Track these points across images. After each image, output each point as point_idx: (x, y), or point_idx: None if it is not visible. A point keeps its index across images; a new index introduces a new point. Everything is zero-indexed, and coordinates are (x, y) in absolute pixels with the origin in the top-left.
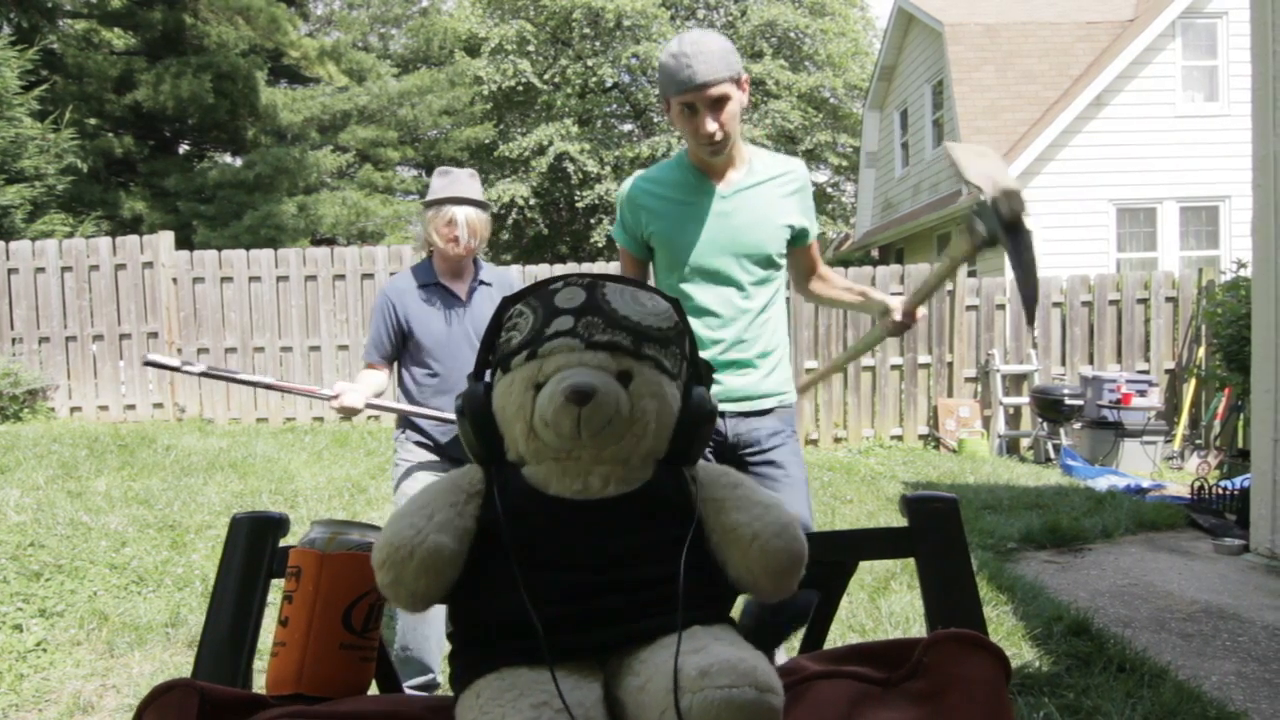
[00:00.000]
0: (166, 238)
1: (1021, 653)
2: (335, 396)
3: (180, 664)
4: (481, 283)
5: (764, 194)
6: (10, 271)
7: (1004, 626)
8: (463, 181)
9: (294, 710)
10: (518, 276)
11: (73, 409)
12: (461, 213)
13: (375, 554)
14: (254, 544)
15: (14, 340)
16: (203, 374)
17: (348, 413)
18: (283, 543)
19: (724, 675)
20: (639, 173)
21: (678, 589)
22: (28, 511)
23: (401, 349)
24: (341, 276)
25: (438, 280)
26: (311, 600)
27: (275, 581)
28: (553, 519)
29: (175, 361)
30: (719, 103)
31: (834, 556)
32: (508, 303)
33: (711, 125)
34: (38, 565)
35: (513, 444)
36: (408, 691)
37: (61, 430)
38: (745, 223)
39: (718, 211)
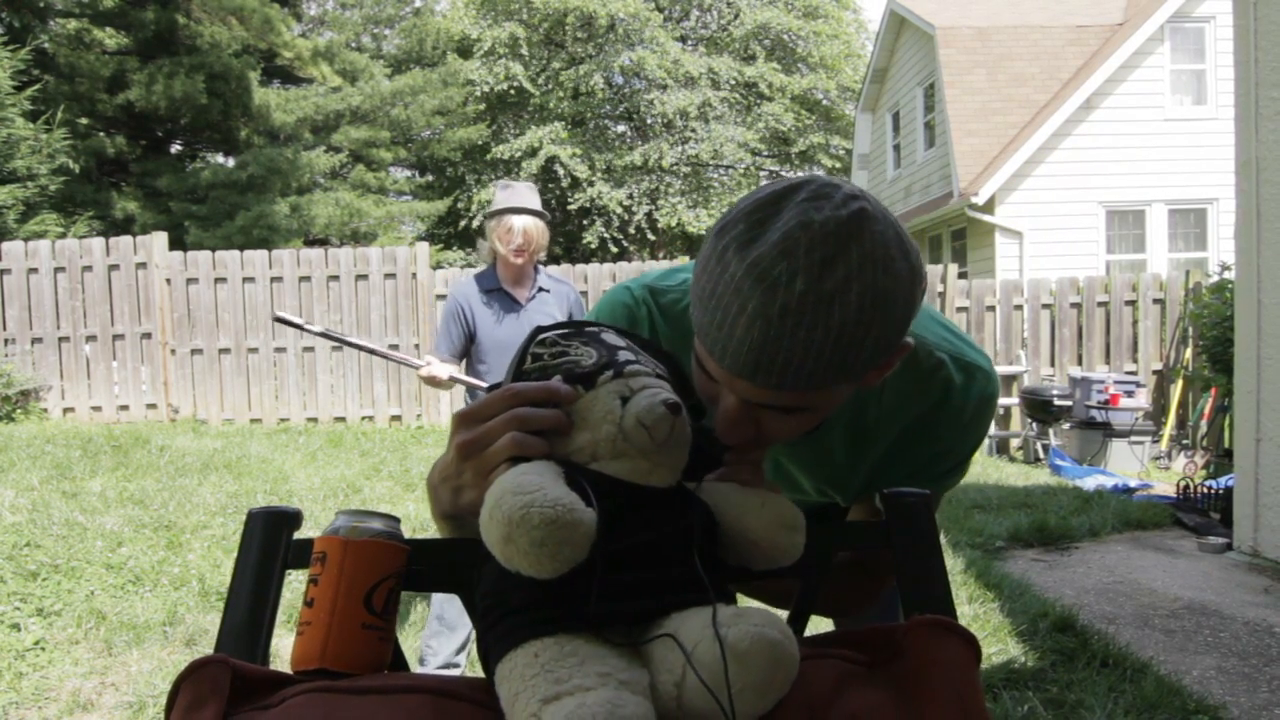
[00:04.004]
0: (160, 238)
1: (1007, 648)
2: (426, 365)
3: (179, 662)
4: (541, 289)
5: None
6: (3, 272)
7: (991, 623)
8: (522, 194)
9: (320, 685)
10: (574, 282)
11: (65, 409)
12: (520, 221)
13: (540, 513)
14: (269, 537)
15: (6, 341)
16: (322, 334)
17: (434, 383)
18: (295, 536)
19: (758, 615)
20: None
21: (698, 563)
22: (23, 512)
23: (466, 349)
24: (335, 278)
25: (500, 286)
26: (336, 583)
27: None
28: (624, 499)
29: (300, 320)
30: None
31: (814, 547)
32: (540, 331)
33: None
34: (34, 565)
35: (590, 445)
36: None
37: (55, 431)
38: None
39: None
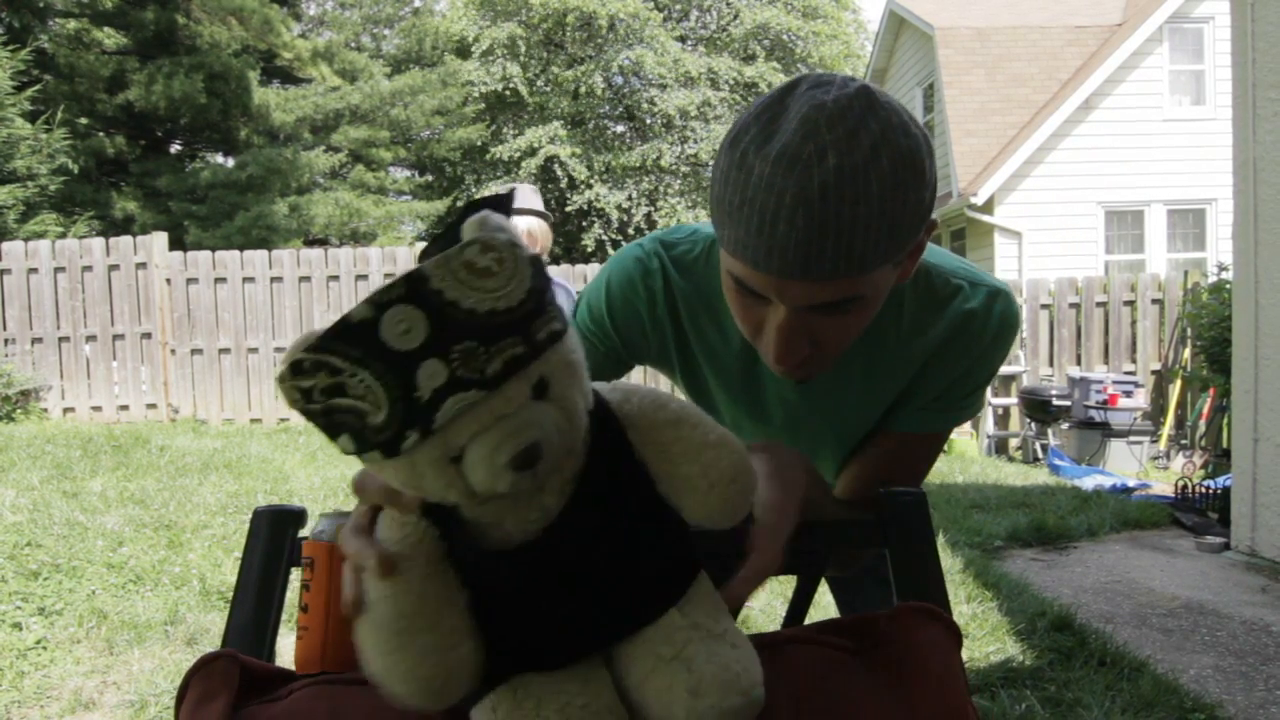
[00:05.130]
0: (160, 238)
1: (1005, 647)
2: None
3: (180, 661)
4: None
5: None
6: (3, 272)
7: (989, 622)
8: (525, 195)
9: (326, 678)
10: (567, 278)
11: (65, 409)
12: (524, 222)
13: (414, 693)
14: (275, 534)
15: (6, 341)
16: None
17: None
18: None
19: (712, 692)
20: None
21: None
22: (23, 511)
23: None
24: (335, 278)
25: None
26: (327, 589)
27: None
28: (521, 577)
29: None
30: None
31: (811, 545)
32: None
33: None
34: (35, 564)
35: (445, 505)
36: None
37: (55, 431)
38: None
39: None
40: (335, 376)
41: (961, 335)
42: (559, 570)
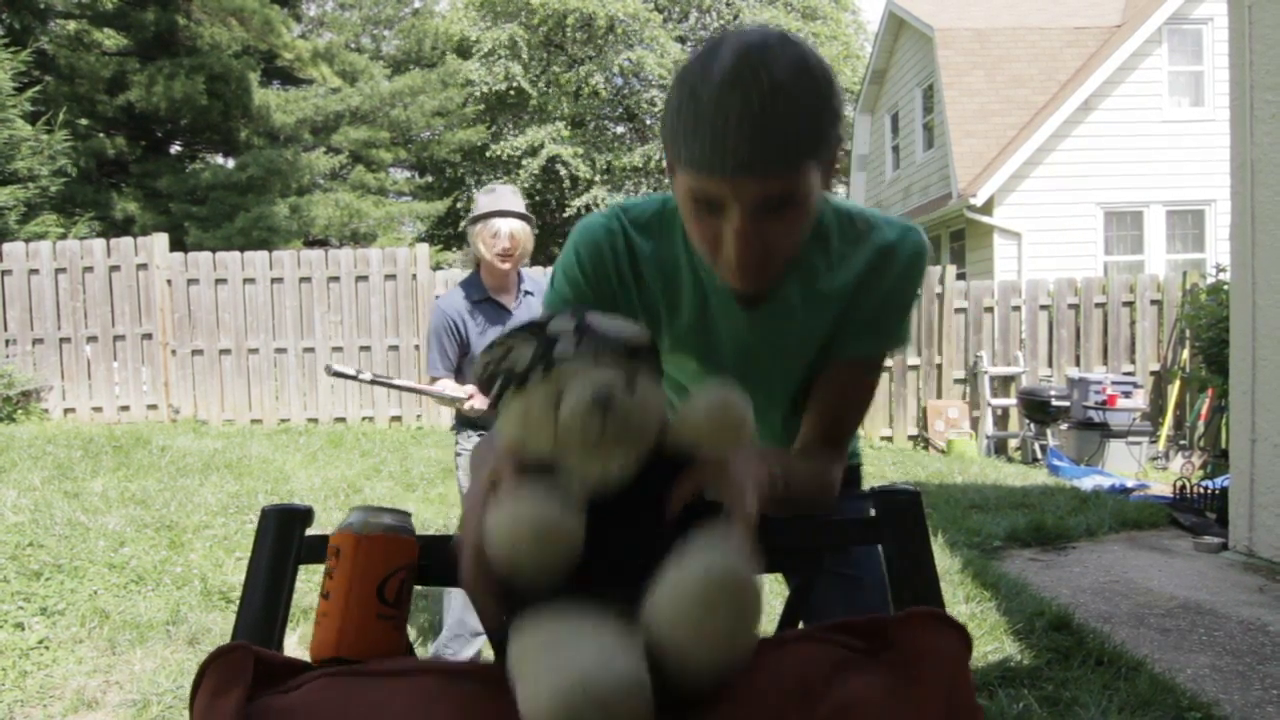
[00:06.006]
0: (161, 239)
1: (1004, 647)
2: (469, 396)
3: (182, 660)
4: (527, 293)
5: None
6: (4, 273)
7: (987, 621)
8: (506, 197)
9: (337, 669)
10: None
11: (66, 410)
12: (506, 225)
13: (514, 531)
14: (283, 533)
15: (7, 342)
16: (372, 381)
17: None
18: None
19: (700, 555)
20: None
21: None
22: (25, 512)
23: (460, 363)
24: (336, 278)
25: (488, 295)
26: (350, 576)
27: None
28: (591, 519)
29: (352, 370)
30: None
31: (807, 543)
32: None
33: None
34: (37, 565)
35: (538, 451)
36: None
37: (56, 431)
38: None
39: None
40: (509, 344)
41: (881, 263)
42: (617, 519)
